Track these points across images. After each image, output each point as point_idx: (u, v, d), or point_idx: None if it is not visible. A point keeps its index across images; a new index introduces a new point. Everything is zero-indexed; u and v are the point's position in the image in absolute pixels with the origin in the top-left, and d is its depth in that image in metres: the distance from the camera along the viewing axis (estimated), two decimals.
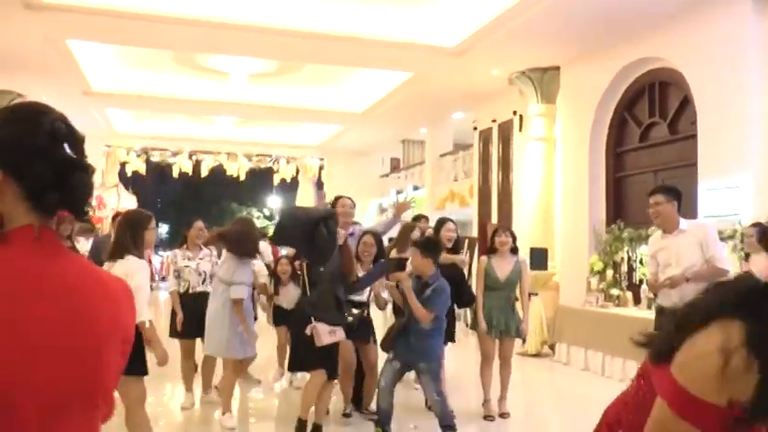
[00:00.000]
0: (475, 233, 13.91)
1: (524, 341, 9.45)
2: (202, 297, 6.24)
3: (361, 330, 5.97)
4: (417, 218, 8.22)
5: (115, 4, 9.28)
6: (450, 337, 6.58)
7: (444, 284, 5.39)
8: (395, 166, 21.75)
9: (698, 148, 8.49)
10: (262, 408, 7.03)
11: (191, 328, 6.33)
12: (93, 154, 17.69)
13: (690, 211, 7.92)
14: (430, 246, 5.53)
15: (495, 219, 13.20)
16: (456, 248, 6.78)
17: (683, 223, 5.38)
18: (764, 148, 7.74)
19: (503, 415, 6.44)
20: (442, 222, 6.79)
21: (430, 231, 6.92)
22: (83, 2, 9.16)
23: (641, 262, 8.86)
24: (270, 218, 37.55)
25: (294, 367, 5.79)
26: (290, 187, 24.34)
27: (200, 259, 6.61)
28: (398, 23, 10.13)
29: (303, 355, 5.37)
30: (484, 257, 6.52)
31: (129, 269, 4.16)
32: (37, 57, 11.38)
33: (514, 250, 6.51)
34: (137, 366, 4.17)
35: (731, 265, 6.02)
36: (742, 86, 7.94)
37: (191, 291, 6.50)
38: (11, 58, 11.45)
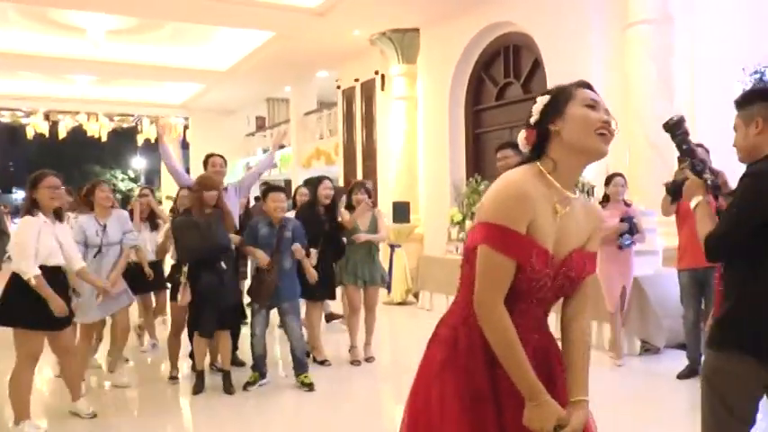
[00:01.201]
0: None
1: (389, 290, 9.93)
2: None
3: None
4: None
5: None
6: (331, 294, 6.93)
7: (298, 223, 6.11)
8: (260, 125, 21.63)
9: None
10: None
11: None
12: None
13: None
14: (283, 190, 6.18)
15: (360, 176, 13.53)
16: (334, 205, 7.02)
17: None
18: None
19: (368, 359, 6.82)
20: (319, 180, 7.00)
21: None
22: None
23: None
24: (134, 180, 36.44)
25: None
26: (155, 147, 23.72)
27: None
28: None
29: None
30: (346, 214, 6.84)
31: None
32: None
33: (374, 204, 6.87)
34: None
35: None
36: (585, 49, 8.55)
37: None
38: None
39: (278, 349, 7.32)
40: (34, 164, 31.31)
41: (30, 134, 20.11)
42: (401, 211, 10.39)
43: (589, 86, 2.06)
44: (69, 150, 32.03)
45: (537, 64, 9.67)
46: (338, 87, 14.63)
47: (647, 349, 6.71)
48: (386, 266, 8.43)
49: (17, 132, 20.96)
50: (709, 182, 2.96)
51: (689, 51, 7.58)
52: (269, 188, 6.30)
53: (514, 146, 6.10)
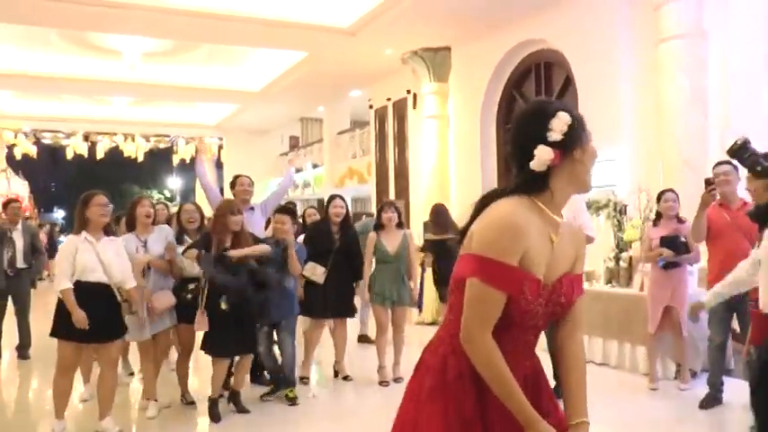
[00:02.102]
0: (374, 209, 14.22)
1: (420, 310, 9.89)
2: None
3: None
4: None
5: None
6: (347, 311, 6.97)
7: (301, 245, 6.36)
8: (294, 145, 21.79)
9: None
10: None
11: None
12: None
13: None
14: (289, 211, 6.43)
15: (392, 195, 13.56)
16: (347, 223, 7.05)
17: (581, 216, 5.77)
18: (636, 124, 8.32)
19: (397, 380, 6.77)
20: (330, 199, 7.07)
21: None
22: None
23: None
24: (170, 199, 36.91)
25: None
26: (190, 167, 24.02)
27: None
28: (292, 3, 10.24)
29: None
30: (373, 233, 6.84)
31: None
32: None
33: (400, 225, 6.85)
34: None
35: (599, 232, 6.56)
36: (615, 66, 8.49)
37: None
38: None
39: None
40: (74, 184, 31.95)
41: (69, 155, 20.52)
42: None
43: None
44: (107, 171, 32.59)
45: (568, 81, 9.61)
46: (370, 107, 14.69)
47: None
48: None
49: (57, 153, 21.35)
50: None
51: (722, 65, 7.47)
52: (277, 209, 6.54)
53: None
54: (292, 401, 6.02)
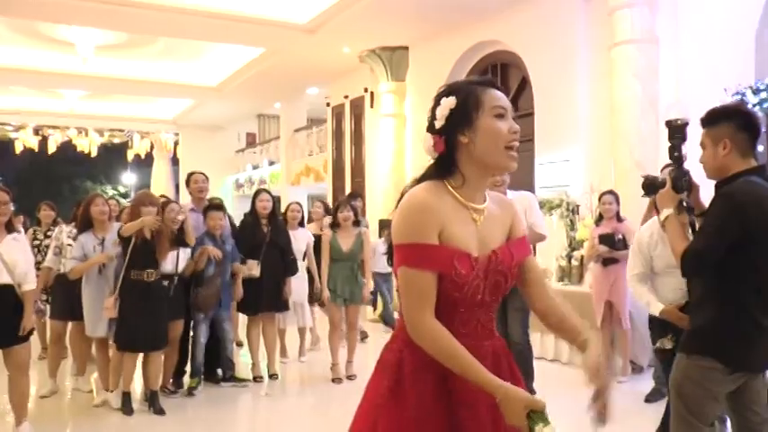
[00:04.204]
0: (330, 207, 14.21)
1: (375, 308, 9.91)
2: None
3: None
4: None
5: None
6: (280, 305, 7.03)
7: (232, 240, 6.60)
8: (250, 141, 21.65)
9: (534, 124, 9.14)
10: None
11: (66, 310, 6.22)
12: None
13: (528, 183, 8.57)
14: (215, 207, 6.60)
15: (348, 191, 13.53)
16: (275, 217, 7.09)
17: (510, 193, 5.85)
18: (590, 125, 8.45)
19: (350, 377, 6.83)
20: (257, 193, 7.08)
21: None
22: None
23: None
24: (125, 195, 36.32)
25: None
26: (145, 163, 23.72)
27: None
28: None
29: None
30: (329, 231, 6.85)
31: None
32: None
33: (357, 223, 6.88)
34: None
35: (552, 231, 6.68)
36: (571, 68, 8.61)
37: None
38: None
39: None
40: (23, 179, 31.19)
41: (18, 149, 20.06)
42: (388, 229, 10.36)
43: (496, 86, 1.95)
44: (59, 166, 31.91)
45: (525, 82, 9.72)
46: (328, 104, 14.65)
47: (633, 368, 6.70)
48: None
49: (6, 147, 20.80)
50: (684, 203, 3.06)
51: (675, 71, 7.63)
52: (208, 207, 6.59)
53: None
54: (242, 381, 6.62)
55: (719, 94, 6.90)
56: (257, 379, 6.81)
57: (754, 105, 6.64)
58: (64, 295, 6.14)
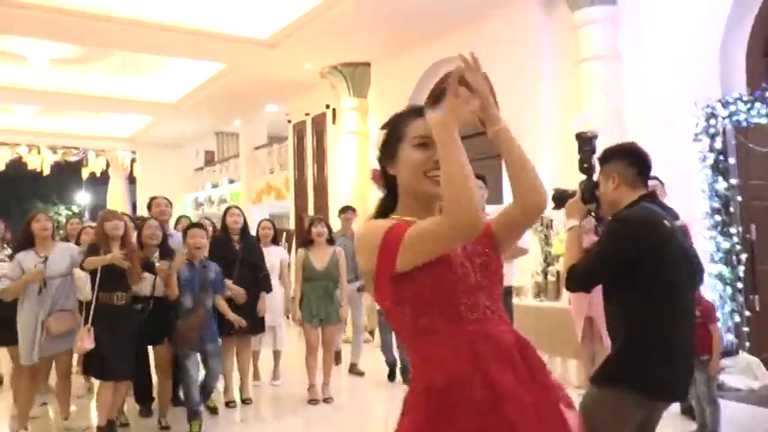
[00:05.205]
0: (292, 226, 14.00)
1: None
2: None
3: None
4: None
5: None
6: (260, 327, 6.76)
7: (217, 265, 5.95)
8: (209, 160, 21.32)
9: None
10: None
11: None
12: None
13: (496, 199, 8.47)
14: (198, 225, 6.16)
15: (311, 211, 13.39)
16: (247, 233, 6.88)
17: (487, 208, 5.77)
18: (557, 141, 8.42)
19: (326, 399, 6.65)
20: (227, 210, 6.88)
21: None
22: None
23: None
24: (79, 215, 35.54)
25: None
26: (101, 181, 23.18)
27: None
28: (211, 13, 10.00)
29: None
30: (302, 249, 6.70)
31: None
32: None
33: (330, 241, 6.70)
34: None
35: (532, 245, 6.60)
36: (535, 82, 8.60)
37: None
38: None
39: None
40: None
41: None
42: None
43: (423, 113, 1.94)
44: (8, 184, 31.08)
45: None
46: (289, 121, 14.49)
47: None
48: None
49: None
50: (592, 213, 3.19)
51: (638, 87, 7.66)
52: (189, 225, 6.22)
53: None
54: (214, 410, 6.18)
55: (684, 108, 6.93)
56: (229, 404, 6.53)
57: (724, 119, 6.66)
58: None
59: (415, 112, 1.94)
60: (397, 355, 7.36)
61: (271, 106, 15.47)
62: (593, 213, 3.19)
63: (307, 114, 13.68)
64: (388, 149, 1.91)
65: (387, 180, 1.95)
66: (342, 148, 12.14)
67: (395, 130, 1.91)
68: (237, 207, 6.95)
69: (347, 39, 10.48)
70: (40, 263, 5.38)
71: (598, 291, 6.04)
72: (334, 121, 12.72)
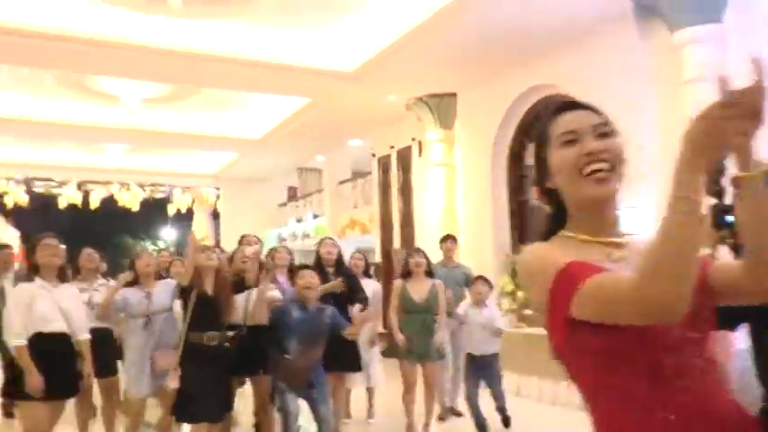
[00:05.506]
0: (378, 259, 13.79)
1: None
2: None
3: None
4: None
5: None
6: (356, 364, 6.41)
7: (334, 308, 5.57)
8: (292, 195, 21.42)
9: None
10: None
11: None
12: None
13: None
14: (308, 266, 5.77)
15: (397, 245, 13.17)
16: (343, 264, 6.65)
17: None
18: (661, 169, 7.97)
19: None
20: (320, 241, 6.68)
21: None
22: None
23: None
24: (164, 250, 36.24)
25: None
26: (186, 217, 23.57)
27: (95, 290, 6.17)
28: (296, 47, 9.98)
29: None
30: (399, 280, 6.43)
31: None
32: None
33: (429, 273, 6.42)
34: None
35: None
36: (635, 109, 8.17)
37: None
38: None
39: None
40: (66, 235, 31.37)
41: (62, 204, 19.98)
42: None
43: (568, 107, 1.65)
44: (101, 221, 32.07)
45: None
46: (373, 155, 14.36)
47: None
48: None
49: (49, 203, 20.73)
50: (726, 240, 2.79)
51: None
52: (299, 266, 5.95)
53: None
54: None
55: None
56: None
57: None
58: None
59: (557, 109, 1.66)
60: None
61: (354, 141, 15.41)
62: (727, 241, 2.79)
63: (392, 147, 13.53)
64: (539, 161, 1.64)
65: (550, 196, 1.65)
66: (428, 180, 11.90)
67: (539, 137, 1.65)
68: (331, 238, 6.77)
69: (433, 69, 10.30)
70: (143, 297, 5.46)
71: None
72: (420, 154, 12.52)
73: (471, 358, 6.43)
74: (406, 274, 6.41)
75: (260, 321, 5.42)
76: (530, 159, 1.68)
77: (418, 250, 6.69)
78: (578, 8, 8.16)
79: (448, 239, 8.28)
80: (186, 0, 7.82)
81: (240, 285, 5.57)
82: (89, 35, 9.19)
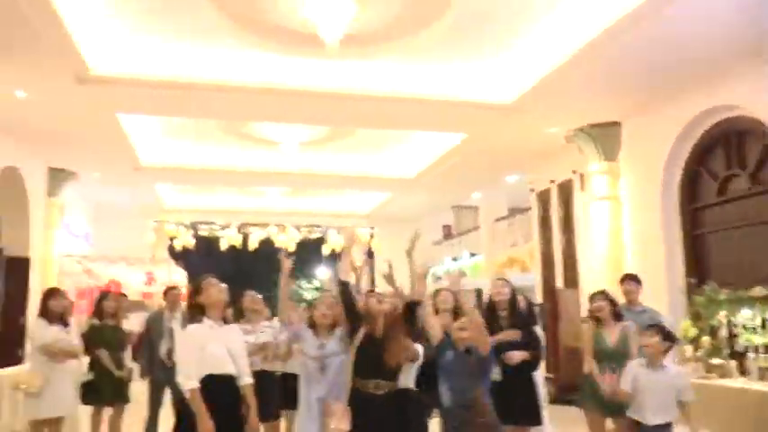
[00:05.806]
0: (539, 299, 13.19)
1: None
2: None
3: None
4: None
5: (163, 74, 9.09)
6: (535, 418, 5.89)
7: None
8: (447, 234, 21.16)
9: None
10: None
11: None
12: (143, 230, 17.63)
13: None
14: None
15: (560, 283, 12.57)
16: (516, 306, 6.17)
17: None
18: None
19: None
20: (492, 282, 6.40)
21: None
22: (131, 74, 9.00)
23: (744, 327, 7.84)
24: (319, 290, 37.02)
25: None
26: (340, 257, 23.85)
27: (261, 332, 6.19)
28: (453, 81, 9.79)
29: None
30: (590, 323, 6.01)
31: None
32: (88, 132, 11.28)
33: (618, 316, 5.93)
34: None
35: None
36: None
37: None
38: (62, 135, 11.40)
39: None
40: (228, 276, 32.61)
41: (223, 246, 20.72)
42: None
43: None
44: (259, 262, 33.16)
45: (766, 151, 8.50)
46: (531, 190, 13.86)
47: None
48: None
49: (212, 245, 21.62)
50: None
51: None
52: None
53: None
54: None
55: None
56: None
57: None
58: None
59: None
60: None
61: (510, 177, 15.00)
62: None
63: (552, 182, 12.99)
64: None
65: None
66: (591, 215, 11.27)
67: None
68: (502, 279, 6.41)
69: (595, 98, 9.81)
70: (317, 348, 5.42)
71: None
72: (582, 187, 11.92)
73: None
74: (594, 319, 6.03)
75: None
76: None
77: (602, 293, 6.20)
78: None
79: (627, 279, 7.45)
80: (344, 41, 7.77)
81: None
82: (248, 84, 9.44)
